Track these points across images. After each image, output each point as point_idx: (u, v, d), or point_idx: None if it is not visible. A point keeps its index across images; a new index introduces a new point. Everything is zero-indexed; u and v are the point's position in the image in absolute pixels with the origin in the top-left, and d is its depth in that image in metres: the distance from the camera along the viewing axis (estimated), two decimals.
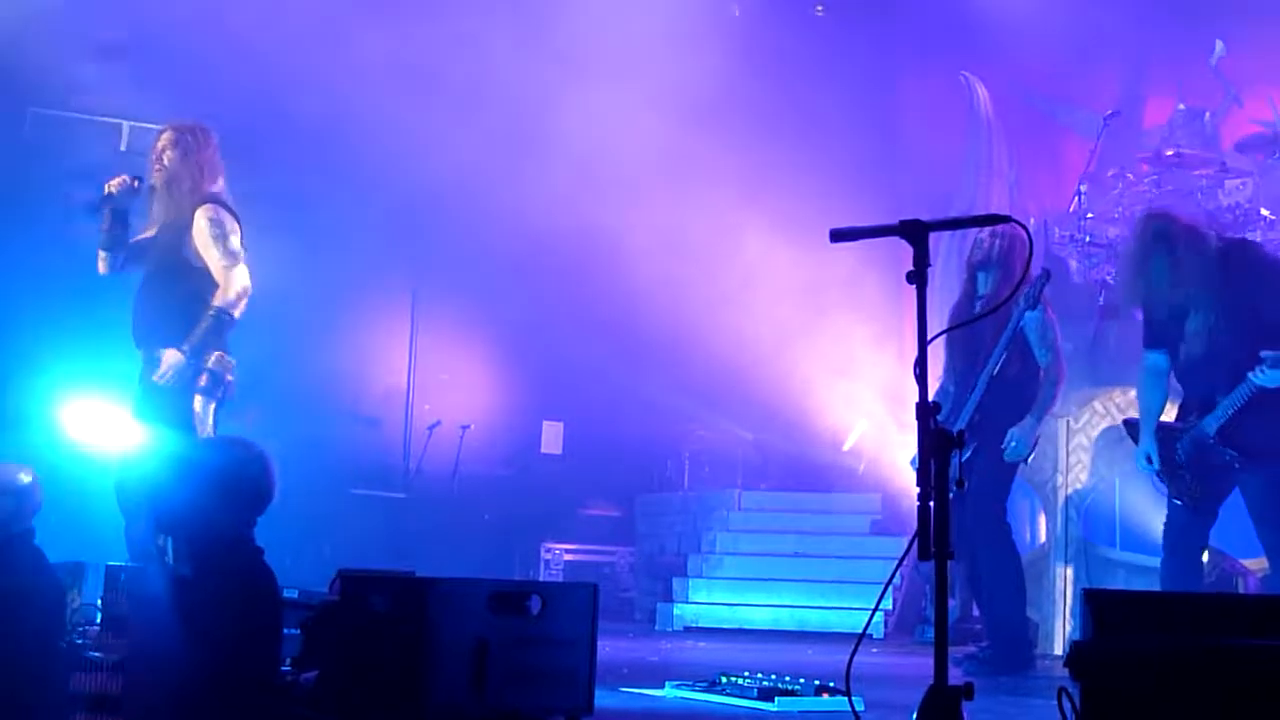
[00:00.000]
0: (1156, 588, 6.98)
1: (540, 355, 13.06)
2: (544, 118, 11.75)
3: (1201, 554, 6.96)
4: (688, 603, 11.03)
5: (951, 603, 5.78)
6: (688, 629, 10.77)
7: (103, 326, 9.93)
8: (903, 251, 3.89)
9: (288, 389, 11.03)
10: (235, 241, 6.81)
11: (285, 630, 5.00)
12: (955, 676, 3.65)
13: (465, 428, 12.69)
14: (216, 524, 4.62)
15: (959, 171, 12.05)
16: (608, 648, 5.66)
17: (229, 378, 6.81)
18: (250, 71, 10.56)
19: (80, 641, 5.83)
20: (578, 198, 11.83)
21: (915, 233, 3.85)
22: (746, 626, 10.70)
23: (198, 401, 6.68)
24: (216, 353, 6.75)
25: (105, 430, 9.70)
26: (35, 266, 10.13)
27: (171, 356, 6.64)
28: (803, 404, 11.99)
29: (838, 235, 4.02)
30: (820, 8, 13.60)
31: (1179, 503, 6.82)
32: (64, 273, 10.20)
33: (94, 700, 4.93)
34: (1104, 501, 9.11)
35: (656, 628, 10.93)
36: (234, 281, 6.77)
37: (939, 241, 10.20)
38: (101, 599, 5.90)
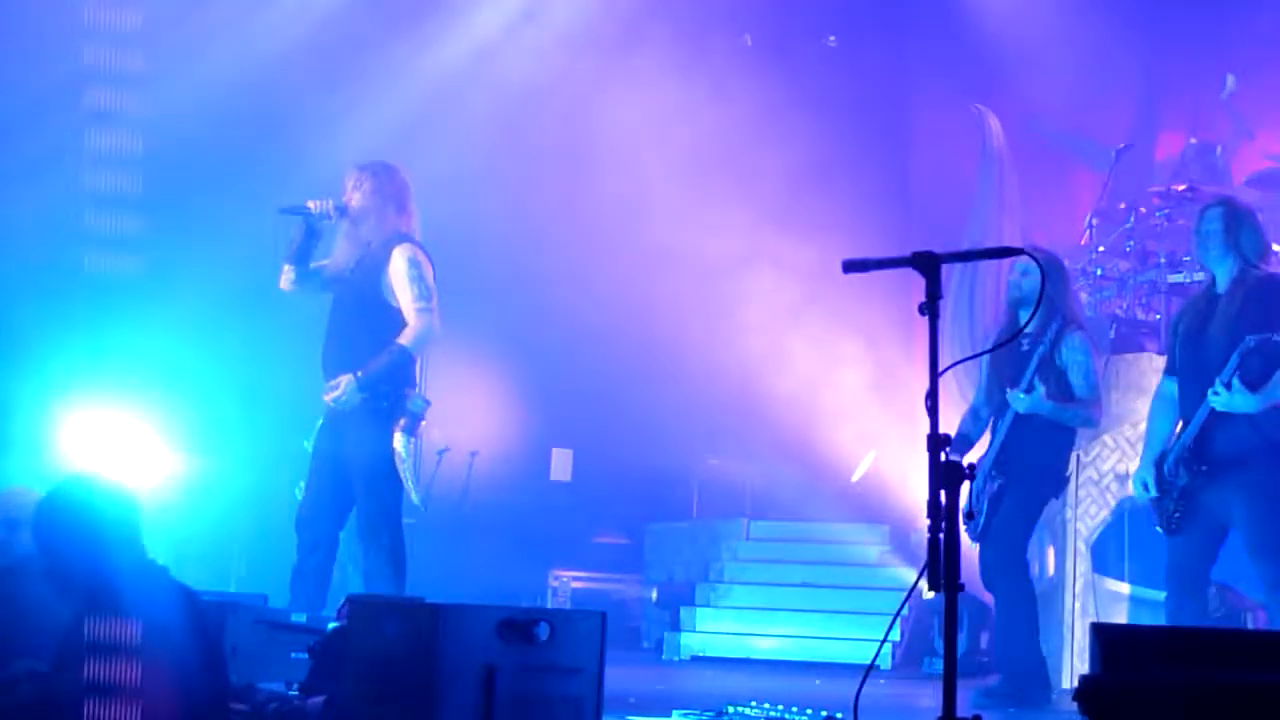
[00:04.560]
0: (1164, 623, 6.98)
1: (550, 382, 13.04)
2: (554, 143, 11.78)
3: (1204, 592, 6.96)
4: (695, 632, 11.00)
5: (960, 635, 5.79)
6: (695, 658, 10.75)
7: (106, 331, 9.89)
8: (914, 282, 3.90)
9: (295, 412, 11.05)
10: (431, 284, 6.96)
11: (294, 654, 5.00)
12: (963, 709, 3.65)
13: (474, 454, 12.68)
14: (103, 568, 4.53)
15: (970, 203, 12.06)
16: (615, 676, 5.65)
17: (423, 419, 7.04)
18: (275, 104, 10.60)
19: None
20: (590, 227, 11.86)
21: (928, 264, 3.87)
22: (754, 656, 10.68)
23: (398, 440, 6.85)
24: (411, 390, 6.94)
25: (109, 449, 9.67)
26: (34, 267, 10.05)
27: (346, 380, 6.83)
28: (812, 434, 11.98)
29: (850, 266, 4.04)
30: (832, 38, 13.61)
31: (1161, 530, 6.87)
32: (66, 288, 10.14)
33: None
34: (1113, 536, 9.10)
35: (664, 656, 10.91)
36: (423, 324, 6.94)
37: (950, 274, 10.21)
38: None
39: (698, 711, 6.18)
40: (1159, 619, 7.39)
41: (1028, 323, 7.07)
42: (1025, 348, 7.40)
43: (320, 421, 7.13)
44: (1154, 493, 6.84)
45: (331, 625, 4.94)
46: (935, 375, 3.80)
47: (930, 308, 3.84)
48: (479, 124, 11.57)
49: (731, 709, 6.08)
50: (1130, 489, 7.54)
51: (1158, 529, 6.91)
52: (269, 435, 10.19)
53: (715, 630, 11.02)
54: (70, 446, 9.47)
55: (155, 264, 9.67)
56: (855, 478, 12.38)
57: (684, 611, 11.23)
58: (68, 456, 9.45)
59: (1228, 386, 6.49)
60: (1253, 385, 6.50)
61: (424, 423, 7.12)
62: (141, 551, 4.63)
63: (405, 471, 6.91)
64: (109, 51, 9.93)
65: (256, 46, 10.57)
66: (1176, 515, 6.72)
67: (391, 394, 6.93)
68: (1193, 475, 6.65)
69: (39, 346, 9.71)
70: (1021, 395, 7.28)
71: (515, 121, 11.84)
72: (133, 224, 8.85)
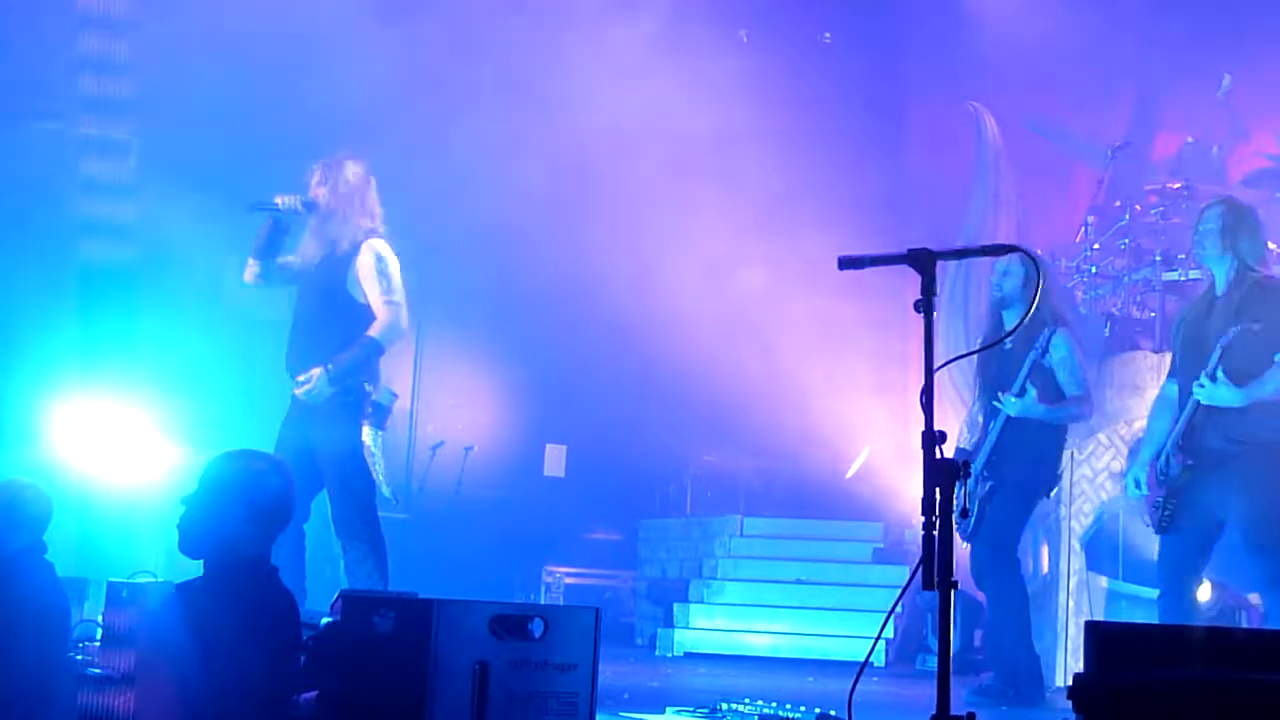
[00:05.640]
0: (1157, 620, 6.98)
1: (544, 378, 13.06)
2: (546, 143, 11.76)
3: (1194, 589, 6.96)
4: (689, 628, 11.00)
5: (953, 633, 5.80)
6: (688, 654, 10.74)
7: (95, 331, 9.87)
8: (909, 280, 3.89)
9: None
10: (397, 280, 7.01)
11: None
12: (957, 706, 3.64)
13: (468, 449, 12.69)
14: (242, 541, 4.57)
15: (966, 201, 12.07)
16: (608, 672, 5.66)
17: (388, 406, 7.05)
18: (273, 96, 10.58)
19: (80, 658, 5.82)
20: (585, 225, 11.85)
21: (923, 261, 3.86)
22: (747, 653, 10.67)
23: (366, 433, 6.86)
24: (379, 384, 6.94)
25: (99, 443, 9.64)
26: (28, 257, 10.04)
27: (316, 372, 6.85)
28: (806, 431, 11.98)
29: (846, 263, 4.02)
30: (828, 35, 13.61)
31: (1149, 526, 6.87)
32: (58, 278, 10.14)
33: (100, 718, 4.91)
34: (1107, 533, 9.10)
35: (657, 653, 10.90)
36: (392, 318, 6.99)
37: (944, 272, 10.21)
38: (102, 615, 5.89)
39: (691, 708, 6.17)
40: (1152, 616, 7.39)
41: (1019, 324, 7.08)
42: (1009, 347, 7.39)
43: (285, 413, 7.13)
44: (1144, 491, 6.85)
45: (324, 620, 4.92)
46: (930, 372, 3.79)
47: (925, 305, 3.82)
48: (471, 122, 11.56)
49: (725, 706, 6.08)
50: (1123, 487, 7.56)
51: (1148, 526, 6.91)
52: (265, 429, 10.16)
53: (709, 627, 11.02)
54: (64, 438, 9.44)
55: (151, 254, 9.65)
56: (849, 474, 12.40)
57: (677, 608, 11.22)
58: (61, 448, 9.43)
59: (1212, 379, 6.50)
60: (1239, 379, 6.50)
61: (391, 416, 7.11)
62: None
63: (375, 465, 6.92)
64: (105, 37, 9.92)
65: (252, 35, 10.54)
66: (1168, 513, 6.72)
67: (358, 387, 6.94)
68: (1182, 470, 6.64)
69: (33, 338, 9.70)
70: (1013, 399, 7.28)
71: (510, 119, 11.82)
72: (127, 213, 8.80)
